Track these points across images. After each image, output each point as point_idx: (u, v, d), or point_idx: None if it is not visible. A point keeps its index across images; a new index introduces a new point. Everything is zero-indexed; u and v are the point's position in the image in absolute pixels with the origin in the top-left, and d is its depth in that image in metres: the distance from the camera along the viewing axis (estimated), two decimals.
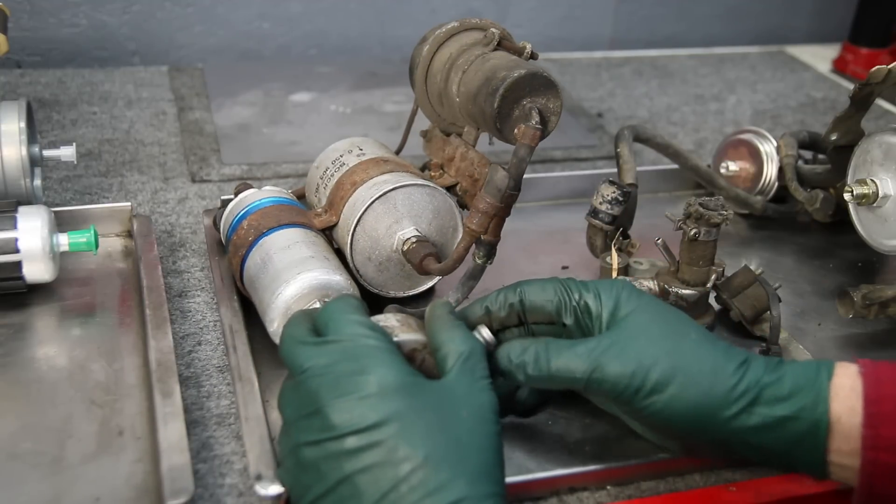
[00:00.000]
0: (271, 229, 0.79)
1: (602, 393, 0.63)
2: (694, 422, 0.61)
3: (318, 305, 0.73)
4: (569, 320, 0.66)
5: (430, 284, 0.84)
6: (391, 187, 0.79)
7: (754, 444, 0.62)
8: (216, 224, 0.88)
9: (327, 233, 0.82)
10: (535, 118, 0.74)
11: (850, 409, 0.60)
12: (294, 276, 0.73)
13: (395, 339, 0.61)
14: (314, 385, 0.58)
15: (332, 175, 0.84)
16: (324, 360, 0.58)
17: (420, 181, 0.80)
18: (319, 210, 0.83)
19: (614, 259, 0.84)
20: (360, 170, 0.82)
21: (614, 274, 0.84)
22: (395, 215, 0.79)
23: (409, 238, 0.79)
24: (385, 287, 0.82)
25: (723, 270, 0.86)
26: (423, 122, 0.86)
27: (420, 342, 0.63)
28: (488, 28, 0.79)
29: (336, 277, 0.74)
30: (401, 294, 0.83)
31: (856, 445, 0.60)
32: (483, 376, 0.59)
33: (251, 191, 0.85)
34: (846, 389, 0.61)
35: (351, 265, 0.80)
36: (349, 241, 0.79)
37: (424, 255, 0.78)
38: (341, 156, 0.85)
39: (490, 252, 0.77)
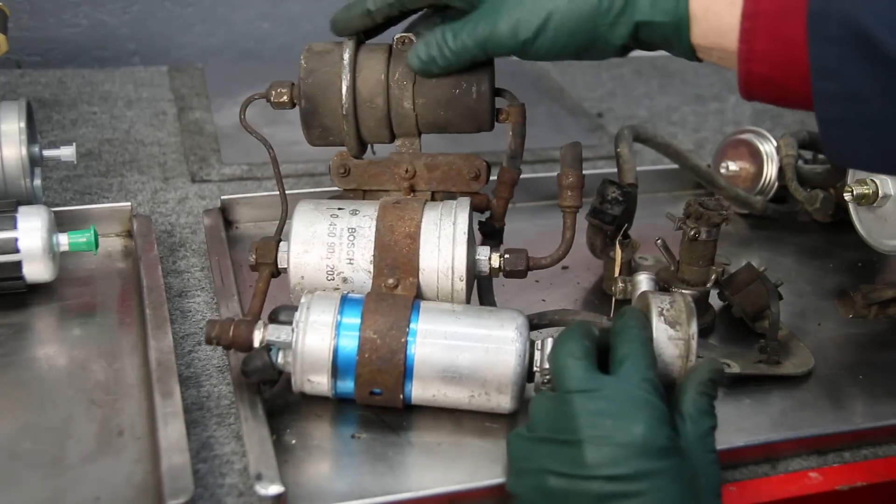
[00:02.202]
0: (410, 319, 0.69)
1: (501, 55, 0.72)
2: (581, 45, 0.69)
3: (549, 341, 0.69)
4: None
5: None
6: (465, 218, 0.73)
7: (635, 46, 0.70)
8: (264, 375, 0.70)
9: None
10: (510, 96, 0.77)
11: (704, 10, 0.66)
12: (514, 329, 0.69)
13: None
14: (576, 411, 0.59)
15: (352, 247, 0.73)
16: (596, 392, 0.60)
17: (464, 200, 0.76)
18: (390, 282, 0.72)
19: (618, 254, 0.84)
20: (394, 220, 0.73)
21: (617, 269, 0.84)
22: (471, 241, 0.75)
23: (496, 253, 0.75)
24: None
25: (722, 271, 0.86)
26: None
27: None
28: (353, 37, 0.76)
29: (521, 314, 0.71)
30: None
31: (715, 41, 0.66)
32: (713, 450, 0.62)
33: (288, 329, 0.69)
34: None
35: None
36: (463, 287, 0.72)
37: (526, 257, 0.75)
38: (332, 227, 0.73)
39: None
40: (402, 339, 0.68)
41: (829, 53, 0.60)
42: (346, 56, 0.75)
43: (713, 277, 0.84)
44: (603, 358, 0.64)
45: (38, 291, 0.83)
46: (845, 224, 0.92)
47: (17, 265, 0.79)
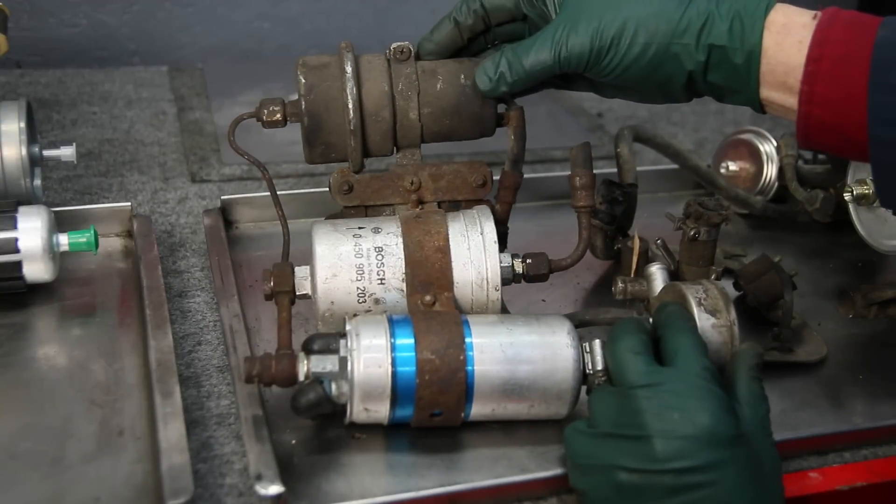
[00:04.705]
0: (464, 334, 0.67)
1: (574, 67, 0.71)
2: (652, 66, 0.69)
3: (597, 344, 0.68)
4: (529, 10, 0.74)
5: None
6: (492, 227, 0.73)
7: (702, 80, 0.70)
8: (320, 410, 0.67)
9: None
10: (509, 99, 0.77)
11: (776, 44, 0.66)
12: (566, 333, 0.68)
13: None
14: (642, 406, 0.60)
15: (382, 266, 0.71)
16: (659, 386, 0.61)
17: (484, 208, 0.75)
18: (427, 299, 0.70)
19: (636, 244, 0.84)
20: (421, 235, 0.72)
21: (635, 257, 0.85)
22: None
23: (518, 259, 0.74)
24: None
25: (721, 271, 0.86)
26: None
27: None
28: (348, 49, 0.75)
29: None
30: None
31: (781, 78, 0.67)
32: (771, 433, 0.64)
33: (334, 358, 0.66)
34: (777, 25, 0.67)
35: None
36: (498, 297, 0.72)
37: (547, 260, 0.75)
38: (358, 248, 0.71)
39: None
40: (461, 357, 0.66)
41: (888, 101, 0.62)
42: (349, 69, 0.74)
43: (712, 277, 0.84)
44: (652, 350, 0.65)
45: (38, 291, 0.83)
46: (845, 224, 0.92)
47: (17, 265, 0.79)
